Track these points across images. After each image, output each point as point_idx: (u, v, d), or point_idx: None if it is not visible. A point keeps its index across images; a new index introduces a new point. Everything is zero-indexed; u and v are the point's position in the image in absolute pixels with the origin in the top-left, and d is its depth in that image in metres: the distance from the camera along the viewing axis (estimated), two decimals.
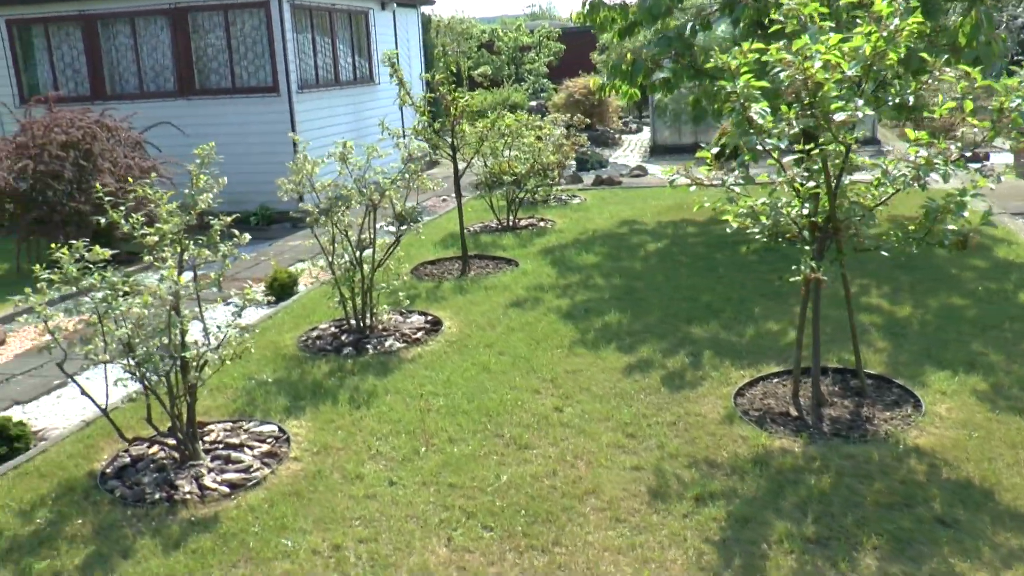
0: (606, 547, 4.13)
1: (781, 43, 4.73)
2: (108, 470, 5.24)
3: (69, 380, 6.95)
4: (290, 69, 12.24)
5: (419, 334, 7.16)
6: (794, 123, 4.81)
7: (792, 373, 6.07)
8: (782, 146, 4.99)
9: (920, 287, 7.90)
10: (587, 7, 10.08)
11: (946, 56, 6.18)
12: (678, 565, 3.99)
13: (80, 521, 4.66)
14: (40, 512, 4.78)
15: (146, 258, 5.26)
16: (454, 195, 13.50)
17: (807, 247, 5.40)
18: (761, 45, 5.00)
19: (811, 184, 5.35)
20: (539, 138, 10.60)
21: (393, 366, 6.53)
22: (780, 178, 5.36)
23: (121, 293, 4.72)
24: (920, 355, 6.31)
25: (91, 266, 4.99)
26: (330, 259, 6.92)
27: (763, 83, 4.87)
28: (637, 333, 7.00)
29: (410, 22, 16.71)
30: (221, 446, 5.37)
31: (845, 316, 6.94)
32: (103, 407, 5.16)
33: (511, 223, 11.11)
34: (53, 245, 5.14)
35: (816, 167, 5.23)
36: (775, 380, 6.09)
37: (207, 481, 4.93)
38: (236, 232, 5.19)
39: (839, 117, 4.71)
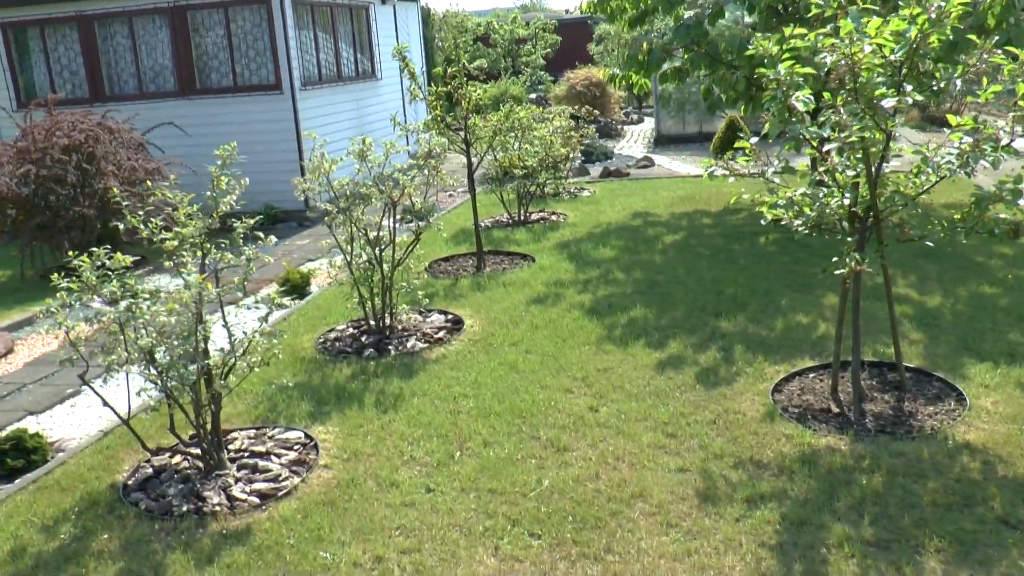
0: (661, 554, 3.97)
1: (828, 27, 4.54)
2: (130, 482, 5.06)
3: (82, 389, 6.82)
4: (293, 66, 12.04)
5: (441, 333, 6.99)
6: (841, 111, 4.62)
7: (831, 367, 5.93)
8: (825, 134, 4.81)
9: (947, 276, 7.74)
10: None
11: (996, 38, 6.00)
12: (737, 572, 3.83)
13: (106, 536, 4.49)
14: (64, 527, 4.61)
15: (166, 263, 5.08)
16: (460, 190, 13.37)
17: (848, 238, 5.22)
18: (803, 30, 4.82)
19: (851, 173, 5.18)
20: (552, 131, 10.42)
21: (417, 367, 6.36)
22: (821, 168, 5.17)
23: (145, 301, 4.52)
24: (957, 347, 6.16)
25: (110, 273, 4.80)
26: (348, 258, 6.74)
27: (808, 69, 4.69)
28: (665, 328, 6.84)
29: (410, 16, 16.51)
30: (246, 454, 5.20)
31: (875, 307, 6.81)
32: (125, 417, 4.99)
33: (522, 217, 10.94)
34: (71, 252, 4.97)
35: (858, 156, 5.05)
36: (811, 375, 5.93)
37: (236, 492, 4.75)
38: (260, 235, 5.01)
39: (888, 104, 4.53)
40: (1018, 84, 4.48)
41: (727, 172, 5.34)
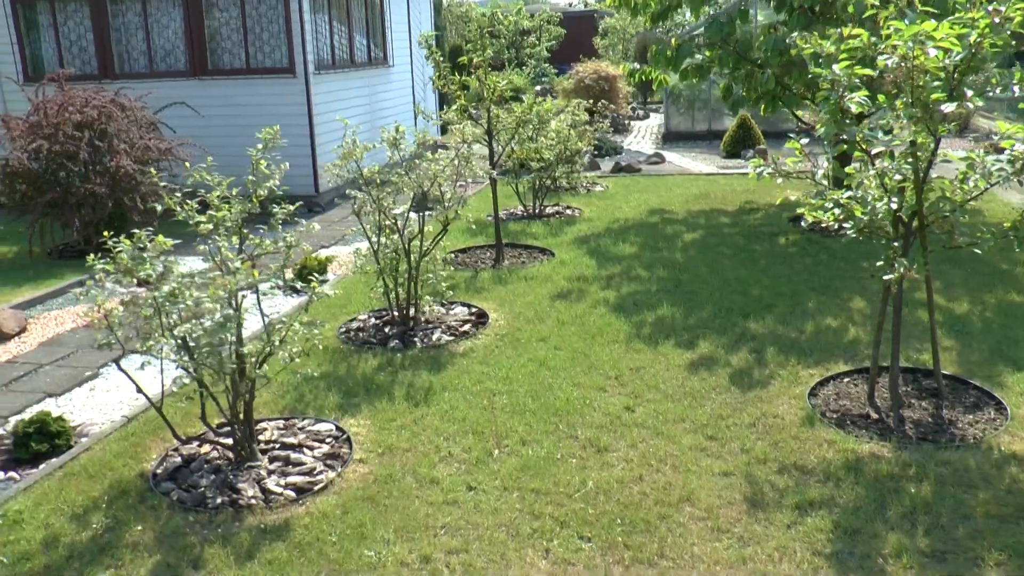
0: (715, 560, 3.89)
1: (892, 28, 4.45)
2: (159, 471, 4.96)
3: (100, 372, 6.70)
4: (307, 50, 11.88)
5: (466, 327, 6.90)
6: (901, 114, 4.53)
7: (864, 372, 5.88)
8: (879, 136, 4.73)
9: (972, 282, 7.69)
10: None
11: None
12: None
13: (140, 527, 4.38)
14: (95, 517, 4.50)
15: (200, 247, 4.95)
16: (471, 180, 13.23)
17: (895, 243, 5.14)
18: (861, 31, 4.74)
19: (898, 177, 5.10)
20: (570, 124, 10.32)
21: (445, 361, 6.26)
22: (872, 170, 5.09)
23: (188, 285, 4.40)
24: (992, 354, 6.11)
25: (145, 255, 4.69)
26: (375, 247, 6.62)
27: (867, 71, 4.61)
28: (693, 328, 6.76)
29: (423, 4, 16.35)
30: (277, 446, 5.10)
31: (905, 312, 6.75)
32: (157, 405, 4.87)
33: (537, 211, 10.84)
34: (106, 233, 4.85)
35: (909, 161, 4.97)
36: (845, 380, 5.87)
37: (270, 485, 4.65)
38: (303, 221, 4.90)
39: (948, 108, 4.45)
40: None
41: (775, 172, 5.24)
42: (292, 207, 4.92)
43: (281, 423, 5.42)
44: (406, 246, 6.54)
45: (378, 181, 6.34)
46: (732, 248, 9.06)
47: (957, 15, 4.66)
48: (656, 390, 5.71)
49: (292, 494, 4.57)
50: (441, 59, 8.47)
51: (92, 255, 4.70)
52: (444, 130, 17.93)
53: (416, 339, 6.64)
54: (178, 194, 4.93)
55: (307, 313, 4.76)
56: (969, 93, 4.52)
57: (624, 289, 7.76)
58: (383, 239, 6.61)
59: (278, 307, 7.51)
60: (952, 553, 3.91)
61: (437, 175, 6.35)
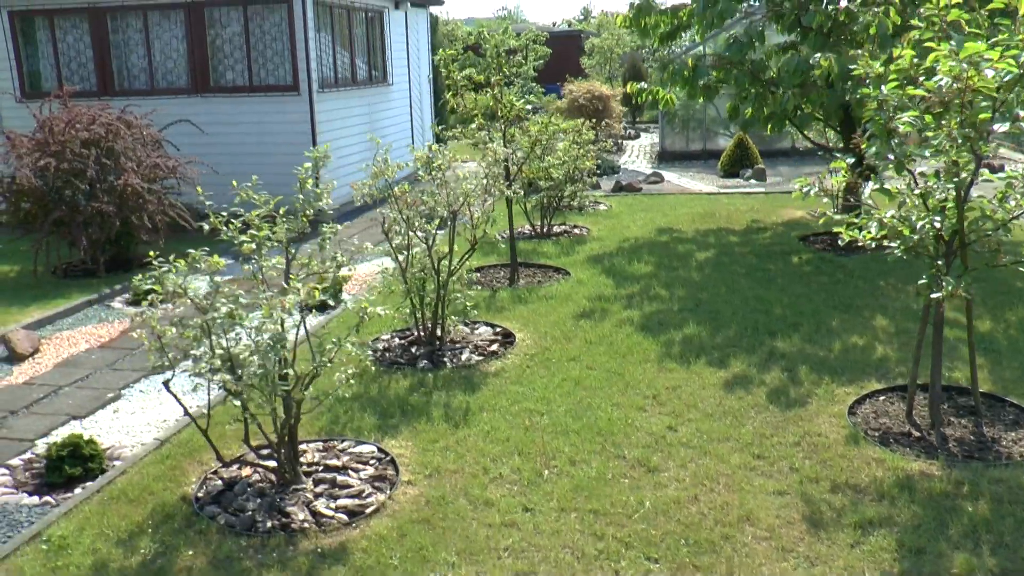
0: None
1: (948, 48, 4.47)
2: (200, 494, 4.86)
3: (122, 394, 6.59)
4: (311, 68, 11.84)
5: (494, 347, 6.85)
6: (955, 134, 4.55)
7: (899, 390, 5.89)
8: (927, 155, 4.75)
9: (991, 301, 7.74)
10: (634, 10, 9.83)
11: None
12: None
13: (191, 552, 4.29)
14: (142, 542, 4.40)
15: (245, 266, 4.88)
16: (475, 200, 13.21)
17: (938, 262, 5.15)
18: (911, 52, 4.76)
19: (940, 196, 5.12)
20: (576, 143, 10.33)
21: (478, 381, 6.21)
22: (917, 189, 5.10)
23: (238, 307, 4.33)
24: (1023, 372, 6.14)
25: (171, 274, 4.61)
26: (403, 266, 6.57)
27: (919, 91, 4.62)
28: (722, 347, 6.76)
29: (420, 23, 16.36)
30: (320, 468, 5.02)
31: (929, 330, 6.78)
32: (203, 428, 4.79)
33: (545, 230, 10.83)
34: (152, 253, 4.77)
35: (954, 180, 4.99)
36: (881, 398, 5.88)
37: (320, 508, 4.58)
38: (357, 243, 4.85)
39: (1001, 128, 4.48)
40: None
41: (821, 192, 5.25)
42: (340, 226, 4.87)
43: (320, 445, 5.34)
44: (435, 265, 6.49)
45: (408, 200, 6.30)
46: (746, 267, 9.08)
47: (1002, 37, 4.69)
48: (695, 409, 5.69)
49: (344, 517, 4.49)
50: (459, 78, 8.44)
51: (138, 278, 4.57)
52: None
53: (445, 359, 6.58)
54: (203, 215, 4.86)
55: (358, 334, 4.69)
56: (1022, 113, 4.54)
57: (646, 308, 7.74)
58: (412, 258, 6.56)
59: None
60: (1020, 573, 3.90)
61: (468, 194, 6.31)
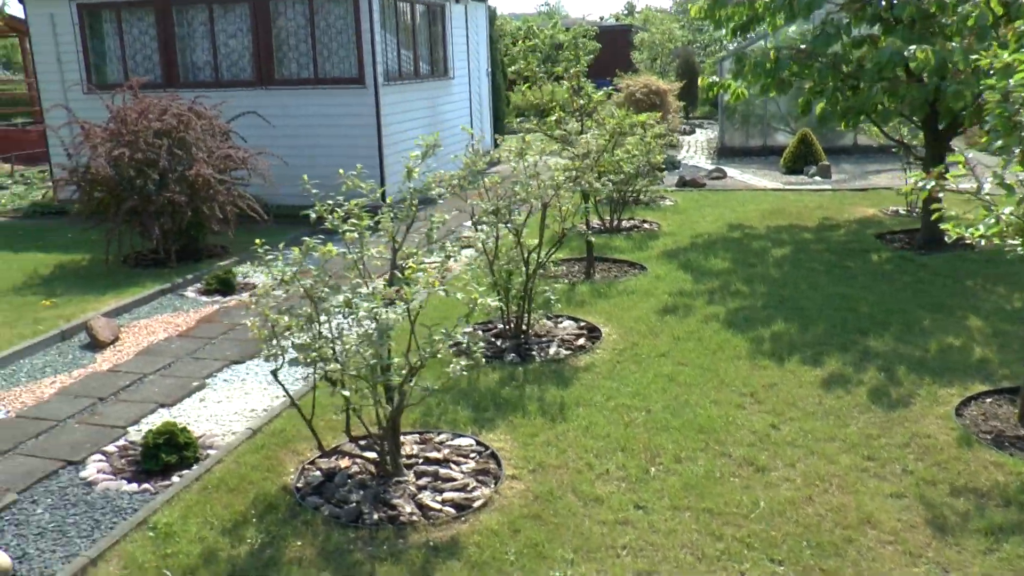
0: None
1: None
2: (300, 484, 4.81)
3: (207, 382, 6.57)
4: (377, 60, 11.80)
5: (580, 341, 6.75)
6: None
7: (1007, 392, 5.71)
8: None
9: None
10: (709, 0, 9.68)
11: None
12: None
13: (299, 543, 4.24)
14: (248, 532, 4.36)
15: (348, 256, 4.82)
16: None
17: None
18: None
19: None
20: (653, 136, 10.19)
21: (569, 375, 6.12)
22: None
23: (357, 297, 4.27)
24: None
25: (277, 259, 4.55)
26: (490, 258, 6.49)
27: None
28: (813, 345, 6.61)
29: (479, 16, 16.29)
30: (421, 461, 4.96)
31: (1019, 331, 6.62)
32: (308, 418, 4.74)
33: (615, 224, 10.70)
34: (258, 241, 4.72)
35: None
36: (987, 400, 5.70)
37: (427, 500, 4.51)
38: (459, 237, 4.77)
39: None
40: None
41: (941, 188, 5.08)
42: (447, 216, 4.79)
43: (417, 437, 5.28)
44: (525, 257, 6.40)
45: (500, 192, 6.21)
46: (824, 264, 8.90)
47: None
48: (795, 408, 5.55)
49: (452, 511, 4.42)
50: (538, 68, 8.34)
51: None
52: (496, 143, 17.82)
53: (533, 352, 6.49)
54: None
55: (467, 322, 4.60)
56: None
57: (730, 304, 7.60)
58: (498, 249, 6.47)
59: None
60: None
61: (560, 186, 6.22)
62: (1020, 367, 5.97)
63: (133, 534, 4.40)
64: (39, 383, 6.76)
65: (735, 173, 15.15)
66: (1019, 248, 4.90)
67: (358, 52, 11.82)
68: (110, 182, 9.51)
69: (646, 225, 10.93)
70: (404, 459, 4.94)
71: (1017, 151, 4.70)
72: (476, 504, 4.47)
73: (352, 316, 4.24)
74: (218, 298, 8.88)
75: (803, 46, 9.38)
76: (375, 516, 4.40)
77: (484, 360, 4.78)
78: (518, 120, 9.64)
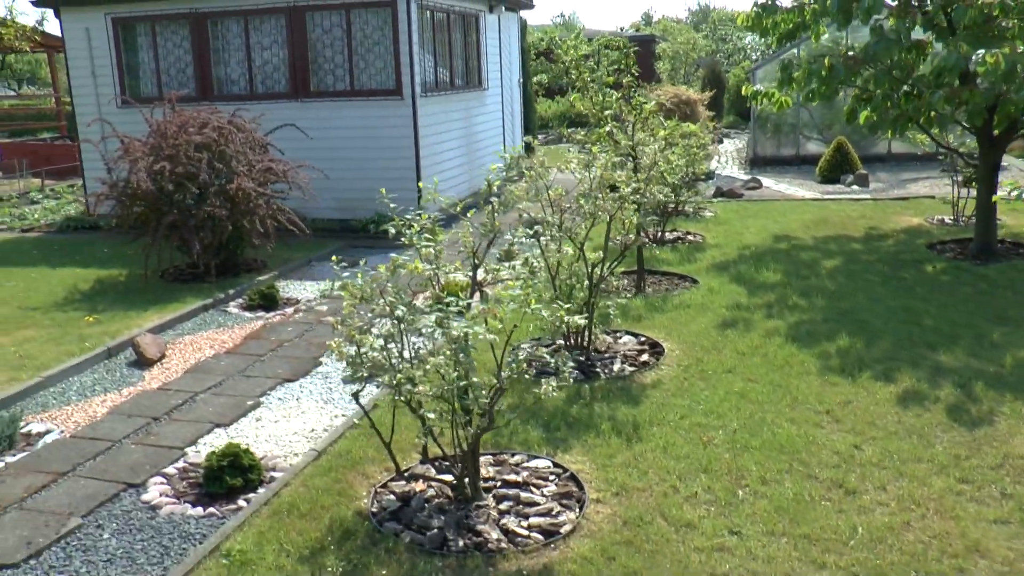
0: None
1: None
2: (375, 509, 4.67)
3: (261, 401, 6.43)
4: (415, 71, 11.69)
5: (643, 356, 6.60)
6: None
7: None
8: None
9: None
10: (757, 8, 9.54)
11: None
12: None
13: (384, 572, 4.10)
14: (328, 560, 4.21)
15: (426, 272, 4.67)
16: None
17: None
18: None
19: None
20: (700, 146, 10.05)
21: (637, 393, 5.96)
22: None
23: (447, 314, 4.12)
24: None
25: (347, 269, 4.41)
26: (553, 273, 6.35)
27: None
28: (882, 360, 6.43)
29: (512, 26, 16.18)
30: (499, 484, 4.81)
31: None
32: (387, 442, 4.59)
33: (659, 236, 10.55)
34: (335, 258, 4.59)
35: None
36: None
37: (512, 526, 4.36)
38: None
39: None
40: None
41: None
42: (531, 230, 4.65)
43: (490, 458, 5.13)
44: (589, 271, 6.25)
45: (564, 206, 6.07)
46: (879, 276, 8.72)
47: None
48: (874, 427, 5.38)
49: (539, 537, 4.27)
50: (590, 80, 8.21)
51: (348, 290, 4.38)
52: (529, 150, 17.72)
53: (597, 369, 6.34)
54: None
55: (553, 338, 4.45)
56: None
57: (790, 318, 7.43)
58: (559, 263, 6.33)
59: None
60: None
61: (626, 199, 6.07)
62: None
63: (207, 561, 4.27)
64: (89, 401, 6.65)
65: (770, 183, 14.98)
66: None
67: (396, 63, 11.71)
68: (150, 196, 9.40)
69: (690, 237, 10.78)
70: (482, 482, 4.79)
71: None
72: (563, 530, 4.32)
73: (441, 334, 4.08)
74: (261, 314, 8.76)
75: (851, 53, 9.22)
76: (460, 543, 4.25)
77: (572, 380, 4.61)
78: (568, 129, 9.49)
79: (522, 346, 6.97)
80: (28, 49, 19.52)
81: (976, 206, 9.38)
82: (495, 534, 4.29)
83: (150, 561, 4.42)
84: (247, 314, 8.81)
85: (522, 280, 4.38)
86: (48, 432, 6.09)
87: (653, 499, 4.58)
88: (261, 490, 5.06)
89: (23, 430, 6.08)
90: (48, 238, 12.89)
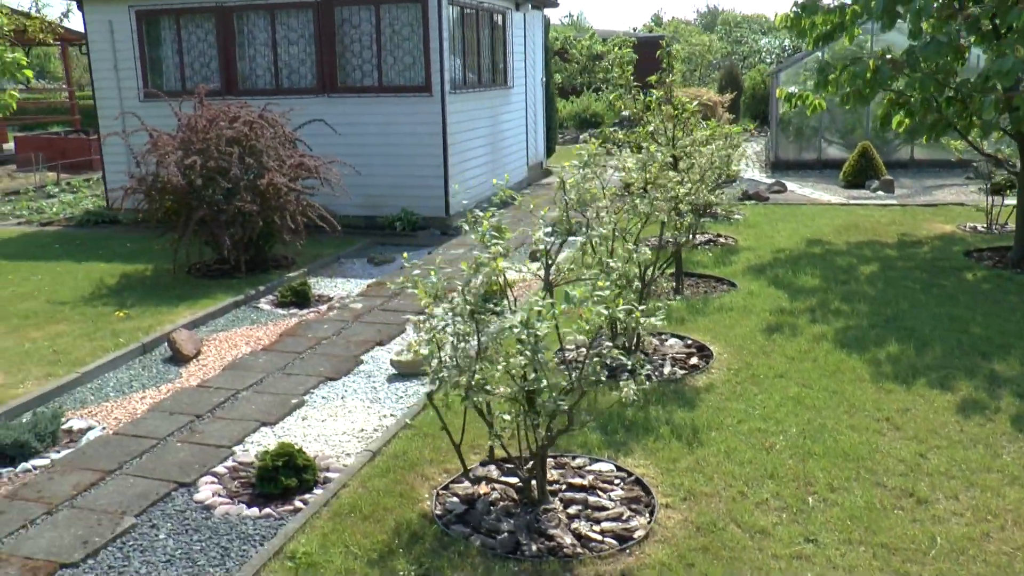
0: None
1: None
2: (440, 511, 4.59)
3: (306, 399, 6.34)
4: (444, 68, 11.61)
5: (692, 360, 6.52)
6: None
7: None
8: None
9: None
10: (797, 8, 9.46)
11: None
12: None
13: None
14: (399, 563, 4.13)
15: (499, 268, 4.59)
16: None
17: None
18: None
19: None
20: (734, 147, 9.95)
21: (691, 396, 5.89)
22: None
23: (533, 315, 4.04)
24: None
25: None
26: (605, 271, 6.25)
27: None
28: (936, 368, 6.35)
29: (536, 24, 16.09)
30: (564, 487, 4.73)
31: None
32: (457, 443, 4.51)
33: (691, 238, 10.44)
34: (405, 256, 4.50)
35: None
36: None
37: (584, 531, 4.28)
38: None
39: None
40: None
41: None
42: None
43: (552, 462, 5.05)
44: (641, 273, 6.18)
45: (619, 207, 5.98)
46: (918, 283, 8.64)
47: None
48: (937, 435, 5.30)
49: (613, 542, 4.19)
50: (632, 79, 8.15)
51: (421, 289, 4.28)
52: (550, 153, 17.63)
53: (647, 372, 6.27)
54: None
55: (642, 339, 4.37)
56: None
57: (835, 324, 7.36)
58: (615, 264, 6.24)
59: None
60: None
61: (681, 198, 5.99)
62: None
63: (272, 563, 4.19)
64: (128, 398, 6.57)
65: (794, 187, 14.91)
66: None
67: (426, 59, 11.62)
68: (180, 191, 9.31)
69: (721, 239, 10.70)
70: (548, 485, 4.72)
71: None
72: (636, 535, 4.24)
73: (529, 335, 3.99)
74: (295, 311, 8.68)
75: (888, 56, 9.16)
76: (533, 547, 4.17)
77: (647, 382, 4.54)
78: (611, 128, 9.42)
79: (566, 346, 6.90)
80: (52, 41, 19.41)
81: (1017, 214, 9.30)
82: (568, 539, 4.21)
83: (211, 563, 4.35)
84: (280, 311, 8.72)
85: (611, 281, 4.31)
86: (90, 429, 6.01)
87: (723, 505, 4.51)
88: (317, 491, 4.99)
89: (64, 426, 6.00)
90: (68, 232, 12.80)
